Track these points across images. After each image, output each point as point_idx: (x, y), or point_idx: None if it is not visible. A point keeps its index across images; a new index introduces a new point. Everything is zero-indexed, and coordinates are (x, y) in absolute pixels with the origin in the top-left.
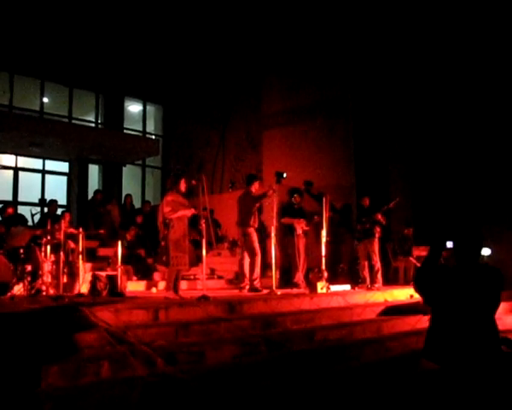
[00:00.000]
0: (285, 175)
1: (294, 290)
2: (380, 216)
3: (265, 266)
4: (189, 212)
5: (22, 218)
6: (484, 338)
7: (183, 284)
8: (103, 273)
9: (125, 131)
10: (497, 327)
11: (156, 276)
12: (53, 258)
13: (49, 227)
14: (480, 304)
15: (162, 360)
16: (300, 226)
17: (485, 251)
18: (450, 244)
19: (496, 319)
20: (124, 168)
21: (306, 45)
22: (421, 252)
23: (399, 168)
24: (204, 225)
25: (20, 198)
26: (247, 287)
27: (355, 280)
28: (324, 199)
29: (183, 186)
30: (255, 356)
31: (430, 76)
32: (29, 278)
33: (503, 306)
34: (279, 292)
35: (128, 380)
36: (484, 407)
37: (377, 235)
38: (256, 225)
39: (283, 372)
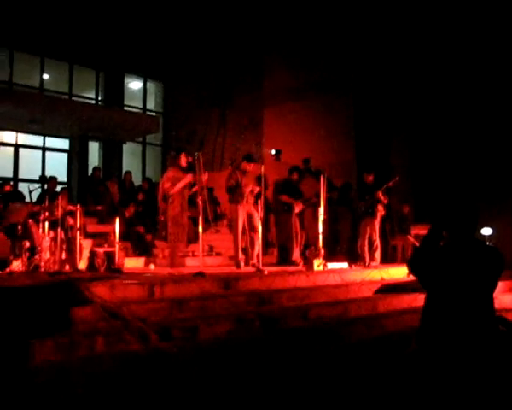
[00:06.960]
0: (273, 152)
1: (292, 268)
2: (380, 194)
3: (266, 244)
4: (187, 179)
5: (20, 194)
6: (481, 319)
7: (191, 261)
8: (101, 250)
9: (125, 108)
10: (494, 308)
11: (155, 252)
12: (52, 234)
13: (46, 204)
14: (477, 283)
15: (156, 335)
16: (297, 206)
17: (487, 231)
18: None
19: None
20: (124, 145)
21: (308, 23)
22: (419, 230)
23: (400, 145)
24: (201, 202)
25: (21, 175)
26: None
27: (353, 258)
28: (322, 177)
29: (183, 161)
30: (249, 332)
31: (431, 53)
32: (27, 254)
33: (500, 285)
34: (266, 271)
35: (122, 355)
36: (480, 388)
37: (379, 214)
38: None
39: (277, 349)
